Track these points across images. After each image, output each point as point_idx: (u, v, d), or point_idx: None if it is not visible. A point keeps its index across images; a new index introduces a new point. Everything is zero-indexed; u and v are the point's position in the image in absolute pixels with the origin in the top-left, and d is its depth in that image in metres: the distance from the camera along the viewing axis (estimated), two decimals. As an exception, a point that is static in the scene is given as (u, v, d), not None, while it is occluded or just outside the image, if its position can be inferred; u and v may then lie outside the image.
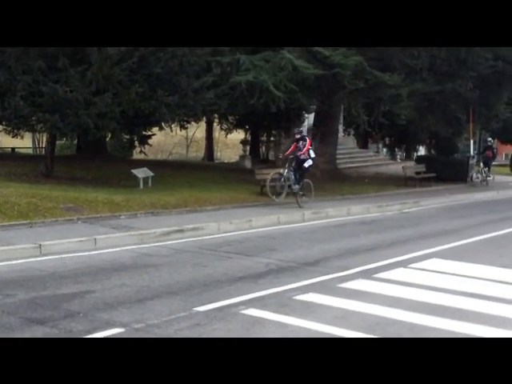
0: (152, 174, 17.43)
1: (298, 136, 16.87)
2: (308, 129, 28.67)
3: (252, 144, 30.84)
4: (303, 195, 16.61)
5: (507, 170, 33.77)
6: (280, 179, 16.24)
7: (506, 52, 22.12)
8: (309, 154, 16.43)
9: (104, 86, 15.44)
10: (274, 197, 16.20)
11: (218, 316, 6.80)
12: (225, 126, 33.27)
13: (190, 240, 11.57)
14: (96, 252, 10.21)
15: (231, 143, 44.95)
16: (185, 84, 16.72)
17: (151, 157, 34.33)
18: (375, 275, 9.01)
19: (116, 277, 8.50)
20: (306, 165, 16.41)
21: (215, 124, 35.15)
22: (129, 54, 15.32)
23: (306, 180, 16.74)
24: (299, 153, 16.33)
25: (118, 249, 10.50)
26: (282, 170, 16.44)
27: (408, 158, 39.58)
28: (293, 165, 16.39)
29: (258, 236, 12.35)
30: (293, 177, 16.28)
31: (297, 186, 16.25)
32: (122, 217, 13.02)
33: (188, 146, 49.40)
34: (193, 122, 26.54)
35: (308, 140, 16.74)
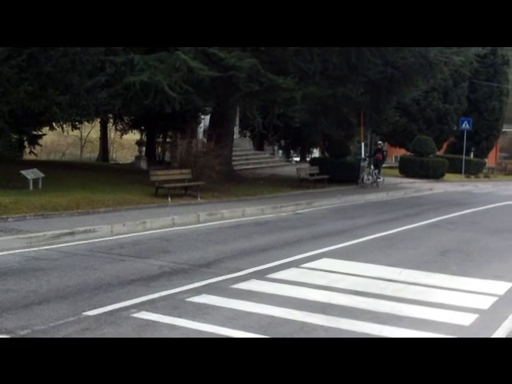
0: (42, 174, 16.87)
1: None
2: (204, 130, 28.69)
3: (148, 145, 30.44)
4: None
5: (397, 171, 34.97)
6: None
7: (394, 58, 22.94)
8: None
9: (-9, 84, 14.86)
10: None
11: (108, 320, 6.69)
12: (120, 127, 32.75)
13: (81, 243, 11.30)
14: (-19, 256, 9.81)
15: (127, 144, 44.31)
16: (77, 83, 16.30)
17: (43, 157, 33.29)
18: (268, 275, 9.13)
19: (2, 282, 8.20)
20: None
21: (110, 124, 34.50)
22: (17, 52, 14.77)
23: None
24: None
25: (5, 252, 10.11)
26: None
27: (303, 159, 40.33)
28: None
29: (151, 238, 12.23)
30: None
31: None
32: (10, 219, 12.54)
33: (82, 147, 48.21)
34: (86, 122, 25.97)
35: None
